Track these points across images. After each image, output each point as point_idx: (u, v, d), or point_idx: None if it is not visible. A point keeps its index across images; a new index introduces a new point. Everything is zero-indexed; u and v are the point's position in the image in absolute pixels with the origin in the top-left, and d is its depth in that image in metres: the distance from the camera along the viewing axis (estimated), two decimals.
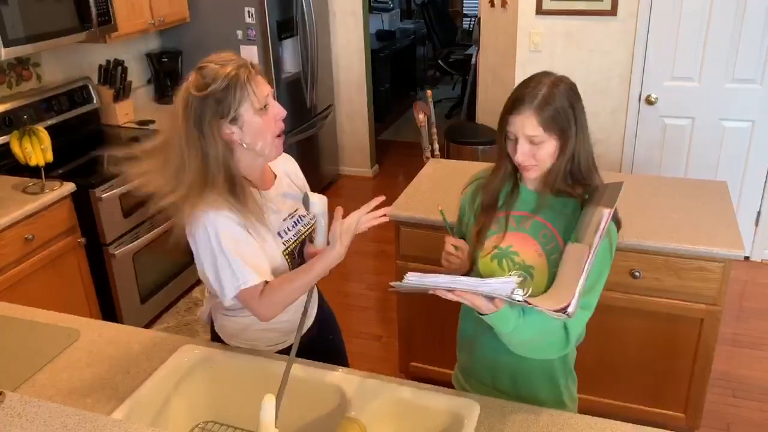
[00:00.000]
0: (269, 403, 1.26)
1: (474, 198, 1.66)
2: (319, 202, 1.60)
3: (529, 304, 1.28)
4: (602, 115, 3.83)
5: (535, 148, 1.43)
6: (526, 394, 1.57)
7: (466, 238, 1.64)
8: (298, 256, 1.65)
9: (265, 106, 1.47)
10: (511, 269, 1.51)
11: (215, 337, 1.75)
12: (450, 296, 1.32)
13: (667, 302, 2.29)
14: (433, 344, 2.70)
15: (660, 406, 2.46)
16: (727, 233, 2.24)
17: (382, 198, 1.57)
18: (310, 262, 1.53)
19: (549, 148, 1.42)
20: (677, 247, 2.20)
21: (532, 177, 1.49)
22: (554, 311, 1.26)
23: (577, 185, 1.47)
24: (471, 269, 1.60)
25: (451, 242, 1.57)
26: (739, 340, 3.14)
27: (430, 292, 1.33)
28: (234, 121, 1.44)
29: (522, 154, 1.45)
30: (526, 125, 1.41)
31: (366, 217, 1.54)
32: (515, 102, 1.44)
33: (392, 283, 1.39)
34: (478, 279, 1.29)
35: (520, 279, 1.32)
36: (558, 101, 1.40)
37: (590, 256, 1.29)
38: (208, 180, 1.44)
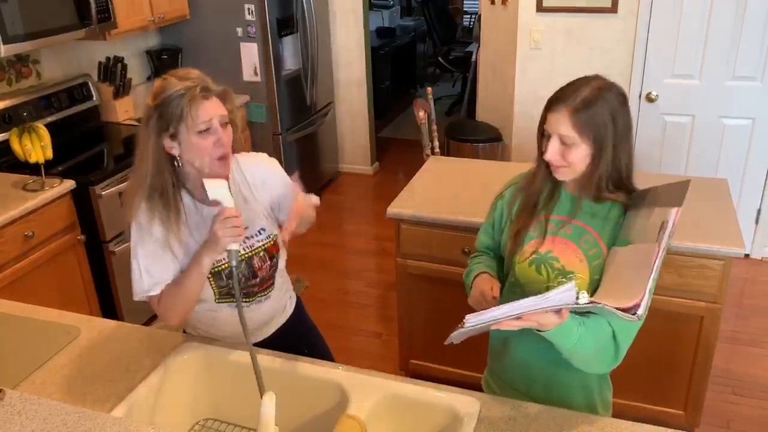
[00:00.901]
0: (269, 400, 1.26)
1: (512, 201, 1.62)
2: (214, 188, 1.49)
3: (598, 303, 1.22)
4: None
5: (566, 149, 1.40)
6: (559, 400, 1.52)
7: (502, 243, 1.61)
8: (228, 278, 1.59)
9: (207, 129, 1.46)
10: (550, 275, 1.47)
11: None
12: (516, 324, 1.25)
13: (668, 300, 2.29)
14: (433, 342, 2.70)
15: (660, 404, 2.46)
16: (728, 231, 2.24)
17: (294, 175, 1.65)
18: (187, 266, 1.54)
19: (581, 151, 1.39)
20: (677, 245, 2.20)
21: (562, 178, 1.46)
22: (622, 310, 1.21)
23: (619, 192, 1.43)
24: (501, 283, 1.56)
25: (491, 287, 1.53)
26: (739, 337, 3.14)
27: (493, 327, 1.27)
28: (173, 137, 1.47)
29: (551, 153, 1.42)
30: (560, 124, 1.39)
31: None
32: (555, 100, 1.42)
33: (452, 336, 1.36)
34: (539, 297, 1.22)
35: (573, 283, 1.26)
36: (598, 107, 1.36)
37: (659, 255, 1.25)
38: (145, 186, 1.51)
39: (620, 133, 1.39)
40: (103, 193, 2.89)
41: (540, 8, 3.72)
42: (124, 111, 3.66)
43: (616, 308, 1.22)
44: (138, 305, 3.19)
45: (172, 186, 1.52)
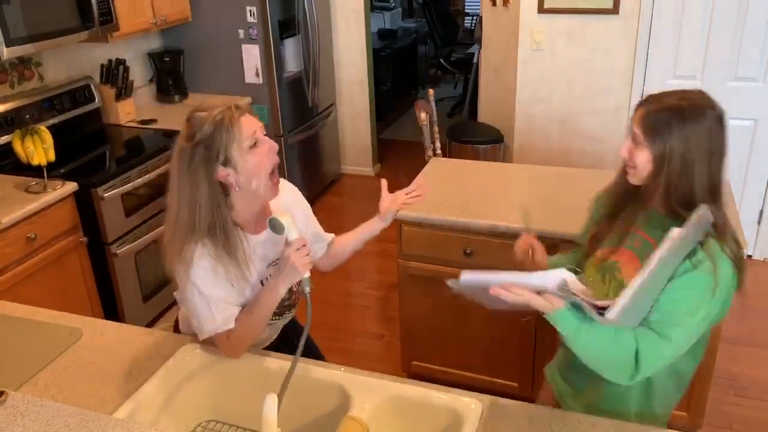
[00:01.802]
0: (271, 402, 1.26)
1: (598, 202, 1.62)
2: (286, 221, 1.51)
3: (576, 296, 1.25)
4: (604, 113, 3.82)
5: (634, 148, 1.39)
6: (612, 407, 1.49)
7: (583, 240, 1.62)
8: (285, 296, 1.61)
9: (255, 143, 1.48)
10: (610, 285, 1.46)
11: (176, 328, 1.82)
12: (505, 295, 1.31)
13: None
14: (435, 343, 2.70)
15: None
16: None
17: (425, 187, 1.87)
18: (257, 295, 1.56)
19: (643, 156, 1.38)
20: None
21: (631, 180, 1.44)
22: (595, 307, 1.23)
23: (690, 212, 1.35)
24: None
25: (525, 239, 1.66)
26: (741, 339, 3.13)
27: (492, 292, 1.33)
28: (226, 162, 1.46)
29: (623, 148, 1.43)
30: (634, 121, 1.40)
31: (404, 196, 1.83)
32: (645, 98, 1.43)
33: (448, 281, 1.46)
34: (531, 273, 1.28)
35: (575, 275, 1.29)
36: (673, 118, 1.35)
37: (648, 267, 1.25)
38: (196, 229, 1.48)
39: (695, 152, 1.34)
40: (105, 195, 2.89)
41: (541, 9, 3.72)
42: (126, 113, 3.67)
43: (589, 303, 1.25)
44: (140, 307, 3.21)
45: (230, 218, 1.52)
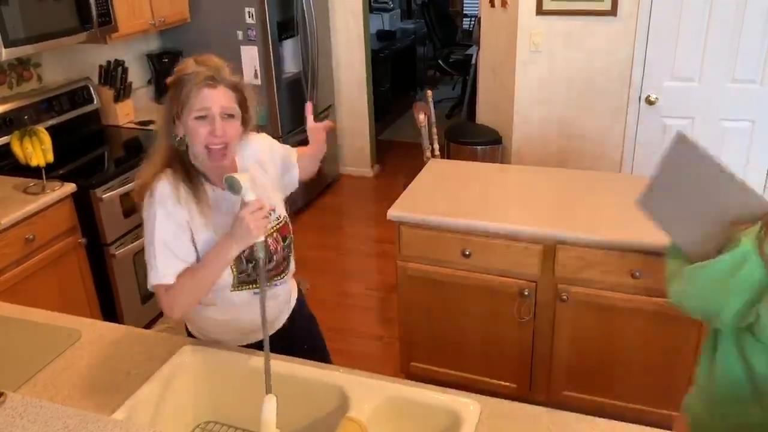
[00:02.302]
0: (270, 403, 1.27)
1: None
2: (242, 181, 1.46)
3: None
4: (602, 115, 3.83)
5: None
6: None
7: None
8: (249, 262, 1.59)
9: (204, 117, 1.48)
10: None
11: (189, 332, 1.79)
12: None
13: (668, 302, 2.29)
14: (434, 344, 2.70)
15: (661, 406, 2.46)
16: None
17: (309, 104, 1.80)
18: (206, 253, 1.52)
19: None
20: None
21: None
22: None
23: None
24: None
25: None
26: None
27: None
28: (178, 117, 1.52)
29: None
30: None
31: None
32: None
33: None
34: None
35: None
36: None
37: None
38: (165, 162, 1.54)
39: None
40: (103, 196, 2.89)
41: (540, 11, 3.72)
42: (125, 114, 3.67)
43: None
44: (138, 308, 3.21)
45: (192, 165, 1.55)
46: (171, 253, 1.51)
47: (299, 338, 1.83)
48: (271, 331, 1.72)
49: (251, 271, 1.60)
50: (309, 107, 1.79)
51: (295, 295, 1.86)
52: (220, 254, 1.48)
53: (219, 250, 1.48)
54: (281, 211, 1.69)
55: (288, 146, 1.83)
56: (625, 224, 2.34)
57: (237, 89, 1.53)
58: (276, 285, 1.70)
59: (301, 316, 1.87)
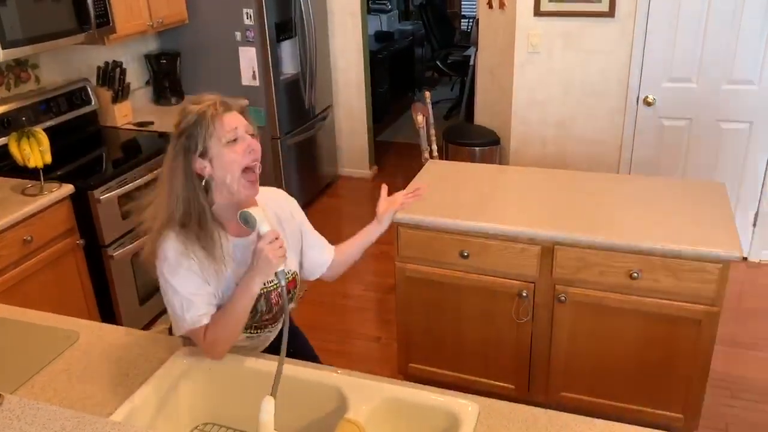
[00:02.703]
0: (268, 404, 1.27)
1: None
2: (256, 214, 1.49)
3: None
4: (600, 116, 3.83)
5: None
6: None
7: None
8: (263, 309, 1.62)
9: (235, 140, 1.48)
10: None
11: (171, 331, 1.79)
12: None
13: (666, 303, 2.29)
14: (432, 346, 2.70)
15: (659, 407, 2.46)
16: (726, 234, 2.25)
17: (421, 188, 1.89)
18: (232, 293, 1.53)
19: None
20: (675, 248, 2.21)
21: None
22: None
23: None
24: None
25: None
26: (737, 340, 3.14)
27: None
28: (203, 154, 1.48)
29: None
30: None
31: (402, 197, 1.86)
32: None
33: None
34: None
35: None
36: None
37: None
38: (177, 217, 1.50)
39: None
40: (101, 197, 2.89)
41: (537, 12, 3.73)
42: (123, 115, 3.67)
43: None
44: (136, 309, 3.21)
45: (209, 211, 1.52)
46: (200, 300, 1.53)
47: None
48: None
49: (247, 320, 1.60)
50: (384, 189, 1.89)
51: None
52: (244, 289, 1.49)
53: (243, 285, 1.50)
54: (291, 267, 1.68)
55: (320, 237, 1.85)
56: (624, 225, 2.34)
57: (244, 113, 1.54)
58: (270, 331, 1.71)
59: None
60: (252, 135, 1.53)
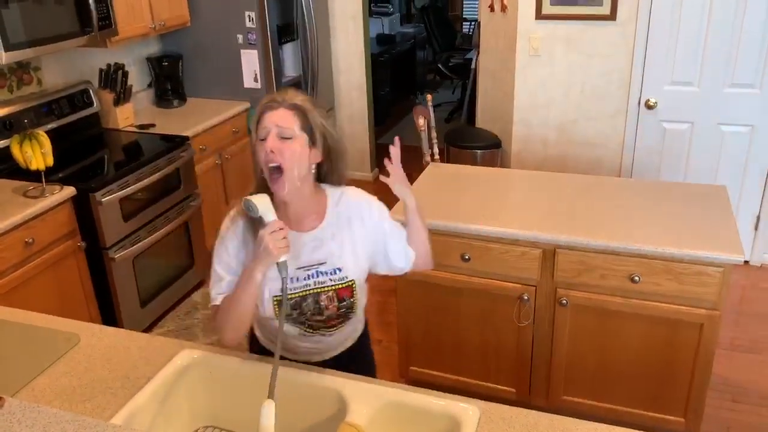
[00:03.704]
0: (269, 408, 1.27)
1: None
2: (259, 202, 1.48)
3: None
4: (602, 119, 3.83)
5: None
6: None
7: None
8: (294, 308, 1.59)
9: (265, 138, 1.50)
10: None
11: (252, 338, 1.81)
12: None
13: (667, 307, 2.29)
14: (433, 349, 2.70)
15: (660, 411, 2.46)
16: (727, 237, 2.25)
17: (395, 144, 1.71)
18: (241, 274, 1.52)
19: None
20: (677, 252, 2.20)
21: None
22: None
23: None
24: None
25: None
26: (738, 344, 3.14)
27: None
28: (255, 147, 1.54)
29: None
30: None
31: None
32: None
33: None
34: None
35: None
36: None
37: None
38: (254, 190, 1.55)
39: None
40: (103, 200, 2.89)
41: (539, 15, 3.73)
42: (125, 118, 3.67)
43: None
44: (137, 312, 3.21)
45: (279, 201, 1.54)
46: (220, 279, 1.57)
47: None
48: (321, 358, 1.73)
49: (296, 315, 1.60)
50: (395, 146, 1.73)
51: (355, 336, 1.80)
52: (247, 276, 1.48)
53: (247, 272, 1.49)
54: (348, 274, 1.60)
55: (404, 244, 1.73)
56: (625, 228, 2.34)
57: (298, 110, 1.51)
58: (323, 335, 1.67)
59: (359, 355, 1.81)
60: (288, 138, 1.49)
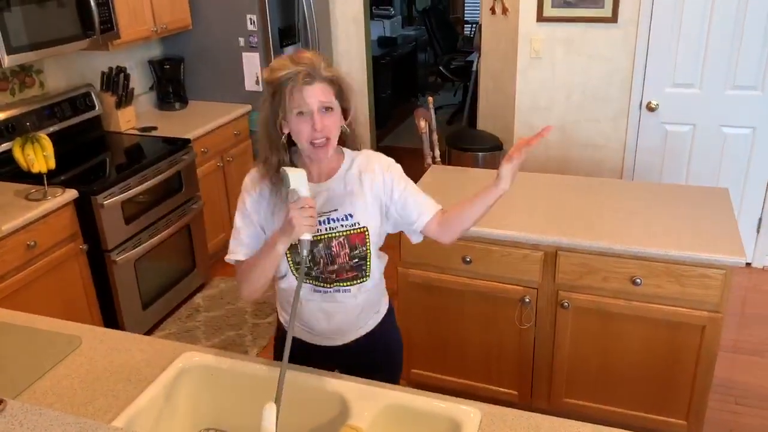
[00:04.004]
0: (270, 410, 1.26)
1: None
2: (294, 176, 1.50)
3: None
4: (603, 121, 3.83)
5: None
6: None
7: None
8: (322, 256, 1.61)
9: (303, 113, 1.51)
10: None
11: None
12: None
13: (669, 309, 2.29)
14: (435, 351, 2.69)
15: (662, 414, 2.45)
16: (729, 240, 2.24)
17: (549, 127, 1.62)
18: (265, 242, 1.58)
19: None
20: (678, 254, 2.20)
21: None
22: None
23: None
24: None
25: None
26: (741, 346, 3.13)
27: None
28: (284, 116, 1.54)
29: None
30: None
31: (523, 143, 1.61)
32: None
33: None
34: None
35: None
36: None
37: None
38: (264, 155, 1.59)
39: None
40: (105, 202, 2.89)
41: (540, 18, 3.73)
42: (127, 121, 3.68)
43: None
44: (139, 314, 3.21)
45: (285, 156, 1.59)
46: (239, 237, 1.63)
47: (365, 357, 1.78)
48: (342, 341, 1.76)
49: (309, 264, 1.62)
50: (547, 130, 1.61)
51: (378, 317, 1.83)
52: (270, 245, 1.52)
53: (270, 241, 1.53)
54: (360, 220, 1.62)
55: (426, 203, 1.74)
56: (627, 231, 2.34)
57: (333, 83, 1.54)
58: (338, 291, 1.66)
59: (381, 341, 1.83)
60: (329, 109, 1.53)
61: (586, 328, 2.42)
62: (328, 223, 1.61)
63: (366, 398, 1.49)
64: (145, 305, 3.23)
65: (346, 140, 1.66)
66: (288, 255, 1.61)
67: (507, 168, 1.63)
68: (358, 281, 1.67)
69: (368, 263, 1.66)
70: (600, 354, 2.44)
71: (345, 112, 1.59)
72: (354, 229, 1.62)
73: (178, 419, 1.60)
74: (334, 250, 1.61)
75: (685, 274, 2.22)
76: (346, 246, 1.62)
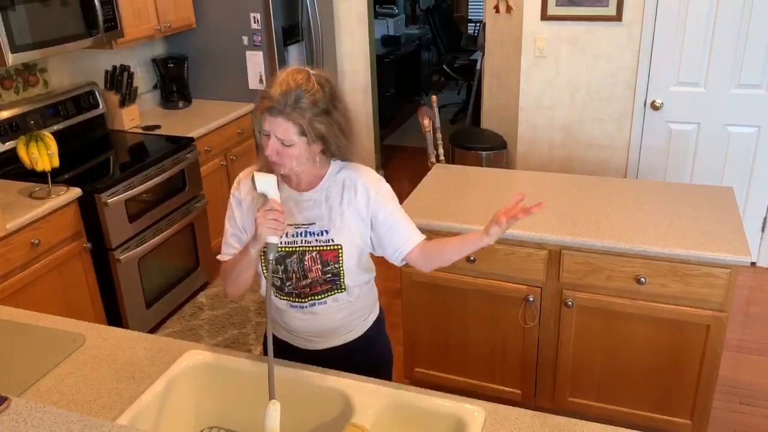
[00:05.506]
0: (274, 409, 1.26)
1: None
2: (262, 180, 1.52)
3: None
4: (607, 120, 3.82)
5: None
6: None
7: None
8: (278, 263, 1.62)
9: (268, 135, 1.54)
10: None
11: None
12: None
13: (673, 308, 2.28)
14: (438, 350, 2.69)
15: (666, 413, 2.45)
16: (734, 239, 2.24)
17: (522, 195, 1.63)
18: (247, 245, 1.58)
19: None
20: (683, 253, 2.19)
21: None
22: None
23: None
24: None
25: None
26: (745, 346, 3.12)
27: None
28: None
29: None
30: None
31: (514, 211, 1.60)
32: None
33: None
34: None
35: None
36: None
37: None
38: (259, 158, 1.63)
39: None
40: (109, 201, 2.90)
41: (544, 16, 3.72)
42: (130, 119, 3.68)
43: None
44: (143, 313, 3.21)
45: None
46: (225, 238, 1.70)
47: (351, 361, 1.75)
48: (321, 346, 1.75)
49: (281, 275, 1.64)
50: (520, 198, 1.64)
51: (366, 324, 1.82)
52: (245, 249, 1.57)
53: (246, 245, 1.57)
54: (334, 237, 1.61)
55: (411, 229, 1.69)
56: (631, 230, 2.33)
57: (294, 118, 1.49)
58: (313, 304, 1.67)
59: (363, 353, 1.81)
60: (288, 145, 1.51)
61: (591, 327, 2.41)
62: (305, 236, 1.62)
63: (369, 397, 1.49)
64: (148, 303, 3.23)
65: (334, 153, 1.61)
66: (261, 258, 1.60)
67: (497, 230, 1.64)
68: (333, 293, 1.67)
69: (342, 279, 1.66)
70: (604, 353, 2.44)
71: (317, 142, 1.54)
72: (328, 246, 1.62)
73: (181, 417, 1.60)
74: (307, 264, 1.62)
75: (689, 273, 2.21)
76: (318, 261, 1.62)
